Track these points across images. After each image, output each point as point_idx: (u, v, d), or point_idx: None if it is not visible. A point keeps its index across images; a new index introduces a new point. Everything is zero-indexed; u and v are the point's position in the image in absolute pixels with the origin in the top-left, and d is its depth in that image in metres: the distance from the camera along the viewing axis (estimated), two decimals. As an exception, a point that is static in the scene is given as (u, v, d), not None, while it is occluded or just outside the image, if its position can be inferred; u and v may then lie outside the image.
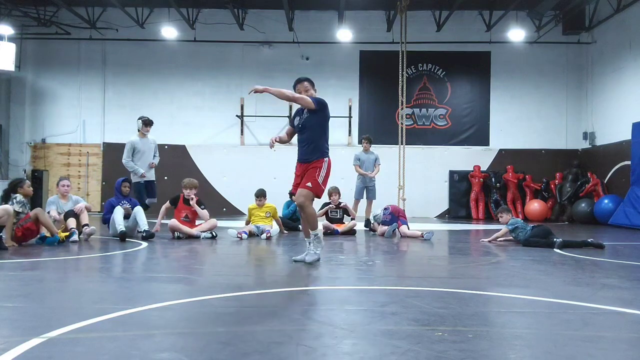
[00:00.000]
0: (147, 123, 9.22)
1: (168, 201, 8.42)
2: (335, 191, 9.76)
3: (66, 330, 2.77)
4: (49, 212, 7.46)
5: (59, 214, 7.66)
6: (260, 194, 9.08)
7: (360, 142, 11.12)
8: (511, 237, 7.84)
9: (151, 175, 9.18)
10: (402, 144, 13.51)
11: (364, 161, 10.36)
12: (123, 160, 9.00)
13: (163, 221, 8.55)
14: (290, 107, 16.14)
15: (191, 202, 8.17)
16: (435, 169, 15.87)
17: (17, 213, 6.89)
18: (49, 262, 5.59)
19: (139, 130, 9.19)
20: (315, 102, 5.58)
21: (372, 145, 10.66)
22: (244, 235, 8.26)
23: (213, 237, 8.13)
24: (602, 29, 15.07)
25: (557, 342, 2.72)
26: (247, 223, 9.00)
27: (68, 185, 7.97)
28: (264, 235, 8.35)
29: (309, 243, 5.62)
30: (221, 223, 11.13)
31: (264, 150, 16.02)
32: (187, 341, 2.70)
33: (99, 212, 15.79)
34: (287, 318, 3.13)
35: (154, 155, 9.32)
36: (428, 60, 16.24)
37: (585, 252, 6.74)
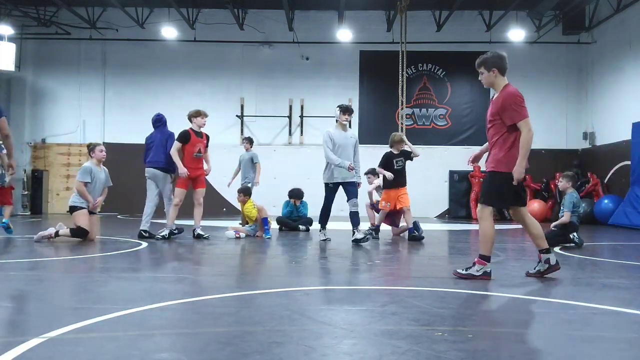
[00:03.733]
0: (345, 110, 7.68)
1: (176, 141, 7.77)
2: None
3: (66, 330, 2.77)
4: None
5: (86, 183, 7.49)
6: (239, 190, 8.77)
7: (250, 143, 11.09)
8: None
9: (349, 176, 7.63)
10: (402, 144, 13.50)
11: (241, 161, 10.82)
12: (325, 156, 7.61)
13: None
14: (291, 107, 16.16)
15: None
16: (435, 169, 15.87)
17: None
18: (49, 262, 5.59)
19: (337, 121, 7.76)
20: None
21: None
22: (242, 235, 8.31)
23: (205, 238, 7.87)
24: (602, 29, 15.06)
25: (557, 342, 2.71)
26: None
27: (105, 151, 7.71)
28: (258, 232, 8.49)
29: None
30: (221, 223, 11.15)
31: (264, 150, 16.02)
32: (187, 341, 2.70)
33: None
34: (287, 318, 3.13)
35: (355, 153, 7.77)
36: (428, 60, 16.24)
37: (585, 252, 6.74)
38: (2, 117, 5.52)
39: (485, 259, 4.57)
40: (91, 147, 7.75)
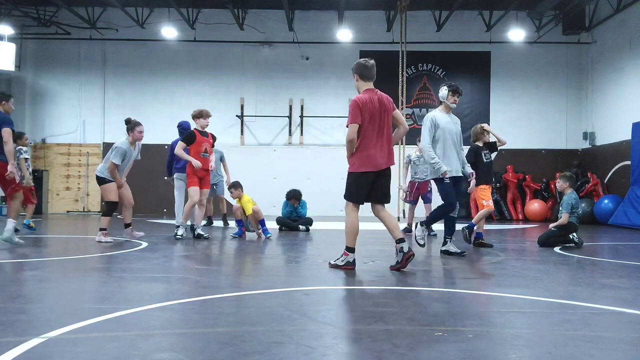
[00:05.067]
0: (455, 90, 6.34)
1: (180, 142, 7.74)
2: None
3: (66, 330, 2.77)
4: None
5: (120, 164, 7.39)
6: (230, 186, 8.64)
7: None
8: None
9: (459, 169, 6.54)
10: (402, 144, 13.52)
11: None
12: (421, 145, 6.42)
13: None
14: (291, 107, 16.16)
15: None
16: (435, 169, 15.82)
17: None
18: (49, 262, 5.59)
19: (441, 102, 6.45)
20: None
21: None
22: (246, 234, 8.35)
23: (205, 238, 7.85)
24: (602, 29, 15.06)
25: (557, 342, 2.71)
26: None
27: (144, 132, 7.60)
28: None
29: None
30: (221, 223, 11.14)
31: (264, 150, 16.05)
32: (187, 341, 2.70)
33: (98, 211, 15.78)
34: (287, 318, 3.13)
35: (460, 142, 6.58)
36: (428, 60, 16.23)
37: (585, 252, 6.74)
38: (5, 128, 6.52)
39: (349, 250, 5.09)
40: (130, 126, 7.52)
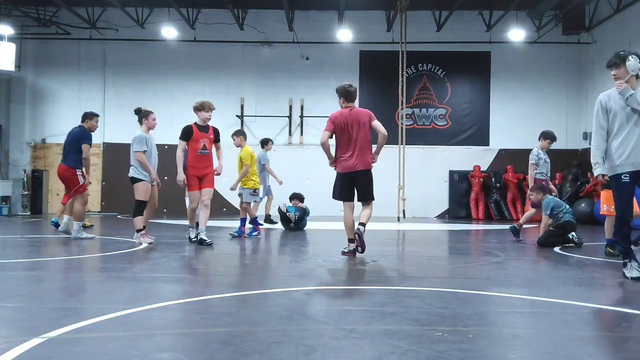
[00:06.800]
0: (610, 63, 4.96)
1: (179, 140, 7.23)
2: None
3: (66, 330, 2.77)
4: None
5: (144, 151, 7.16)
6: (233, 133, 8.63)
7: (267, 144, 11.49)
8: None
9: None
10: (402, 144, 13.51)
11: (269, 160, 11.21)
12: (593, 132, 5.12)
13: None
14: (291, 107, 16.16)
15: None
16: (435, 169, 15.84)
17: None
18: (49, 262, 5.59)
19: (615, 77, 4.96)
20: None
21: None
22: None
23: (208, 244, 7.07)
24: (602, 29, 15.06)
25: (557, 342, 2.71)
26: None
27: (156, 119, 7.46)
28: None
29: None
30: (221, 223, 11.14)
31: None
32: (187, 341, 2.70)
33: (98, 211, 15.78)
34: (287, 318, 3.13)
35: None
36: (428, 60, 16.22)
37: (585, 252, 6.73)
38: (84, 144, 7.89)
39: (349, 240, 6.08)
40: (144, 114, 7.36)
